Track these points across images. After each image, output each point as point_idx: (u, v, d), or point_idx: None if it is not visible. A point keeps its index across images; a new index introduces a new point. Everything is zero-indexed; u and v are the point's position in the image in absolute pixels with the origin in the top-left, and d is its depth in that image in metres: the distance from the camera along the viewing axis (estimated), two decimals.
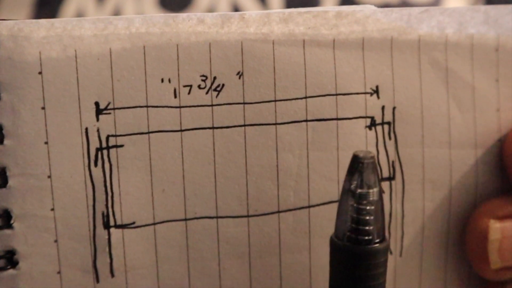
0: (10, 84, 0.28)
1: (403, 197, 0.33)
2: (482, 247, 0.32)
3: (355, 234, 0.27)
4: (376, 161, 0.28)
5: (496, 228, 0.32)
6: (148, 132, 0.30)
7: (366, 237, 0.27)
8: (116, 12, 0.50)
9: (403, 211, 0.33)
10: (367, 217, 0.27)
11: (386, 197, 0.32)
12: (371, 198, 0.27)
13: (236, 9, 0.51)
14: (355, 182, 0.27)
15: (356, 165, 0.27)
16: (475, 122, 0.33)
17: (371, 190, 0.27)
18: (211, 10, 0.51)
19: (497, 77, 0.32)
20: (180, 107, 0.30)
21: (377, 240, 0.27)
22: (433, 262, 0.34)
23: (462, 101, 0.32)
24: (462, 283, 0.34)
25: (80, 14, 0.50)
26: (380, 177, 0.32)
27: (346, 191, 0.28)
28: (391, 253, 0.33)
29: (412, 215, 0.33)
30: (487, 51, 0.32)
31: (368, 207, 0.27)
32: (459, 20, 0.32)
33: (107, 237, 0.30)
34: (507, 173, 0.33)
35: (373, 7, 0.32)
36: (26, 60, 0.28)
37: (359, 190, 0.27)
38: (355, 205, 0.27)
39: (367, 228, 0.27)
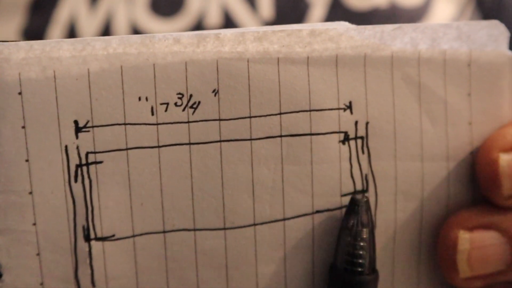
0: None
1: (375, 208, 0.33)
2: (452, 257, 0.33)
3: (350, 265, 0.32)
4: (369, 203, 0.32)
5: (466, 239, 0.32)
6: (127, 149, 0.31)
7: (360, 269, 0.32)
8: (109, 16, 0.51)
9: (375, 221, 0.34)
10: (361, 252, 0.32)
11: None
12: (364, 236, 0.32)
13: (226, 12, 0.51)
14: (352, 221, 0.32)
15: (353, 206, 0.32)
16: (447, 136, 0.33)
17: (364, 229, 0.32)
18: (202, 14, 0.51)
19: (469, 91, 0.33)
20: (157, 124, 0.31)
21: (368, 272, 0.32)
22: (405, 271, 0.34)
23: (434, 115, 0.33)
24: None
25: (73, 18, 0.51)
26: (354, 189, 0.33)
27: (344, 229, 0.32)
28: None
29: (384, 225, 0.34)
30: (460, 66, 0.33)
31: (362, 243, 0.32)
32: (432, 36, 0.32)
33: (87, 249, 0.31)
34: (479, 185, 0.33)
35: (346, 24, 0.32)
36: (6, 81, 0.29)
37: (355, 228, 0.32)
38: (351, 241, 0.32)
39: (360, 261, 0.32)
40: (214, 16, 0.51)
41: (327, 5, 0.52)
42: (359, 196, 0.32)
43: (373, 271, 0.32)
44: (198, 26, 0.52)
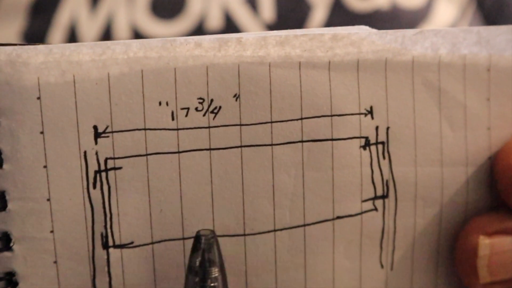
0: (8, 110, 0.29)
1: (395, 214, 0.33)
2: (471, 262, 0.33)
3: None
4: (217, 240, 0.30)
5: (486, 244, 0.32)
6: (146, 154, 0.30)
7: None
8: (109, 19, 0.50)
9: (395, 226, 0.33)
10: None
11: (379, 214, 0.33)
12: (213, 275, 0.29)
13: (227, 14, 0.51)
14: (198, 260, 0.29)
15: (199, 244, 0.29)
16: (466, 141, 0.33)
17: (213, 268, 0.29)
18: (203, 16, 0.51)
19: (488, 96, 0.33)
20: (177, 129, 0.30)
21: None
22: (423, 276, 0.34)
23: (454, 120, 0.33)
24: None
25: (73, 21, 0.50)
26: (375, 195, 0.33)
27: (190, 269, 0.29)
28: (382, 266, 0.34)
29: (404, 230, 0.33)
30: (479, 71, 0.33)
31: (212, 284, 0.29)
32: (452, 41, 0.32)
33: (106, 257, 0.31)
34: (497, 190, 0.33)
35: (367, 28, 0.32)
36: (25, 85, 0.29)
37: (202, 268, 0.29)
38: (199, 282, 0.29)
39: None
40: (215, 19, 0.51)
41: (329, 7, 0.52)
42: (204, 232, 0.29)
43: None
44: (199, 28, 0.51)
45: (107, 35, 0.50)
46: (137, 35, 0.51)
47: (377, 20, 0.51)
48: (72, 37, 0.50)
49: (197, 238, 0.29)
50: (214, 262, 0.29)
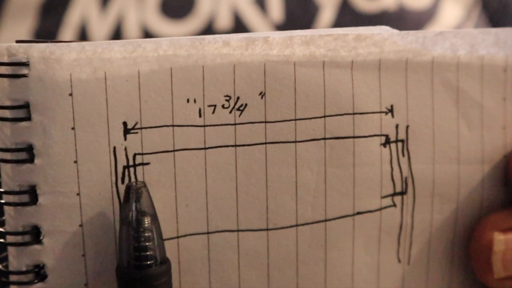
0: (41, 105, 0.29)
1: (413, 210, 0.34)
2: (486, 257, 0.33)
3: (139, 260, 0.30)
4: (147, 190, 0.30)
5: (500, 240, 0.33)
6: (174, 150, 0.31)
7: (149, 262, 0.30)
8: (119, 19, 0.51)
9: (412, 222, 0.34)
10: (147, 243, 0.30)
11: (397, 210, 0.34)
12: (146, 225, 0.30)
13: (236, 15, 0.52)
14: (130, 212, 0.30)
15: (128, 195, 0.30)
16: (482, 139, 0.34)
17: (146, 218, 0.30)
18: (212, 16, 0.52)
19: (505, 96, 0.34)
20: (204, 126, 0.31)
21: (159, 263, 0.30)
22: (439, 270, 0.35)
23: (471, 119, 0.34)
24: None
25: (84, 21, 0.50)
26: (394, 191, 0.34)
27: (123, 221, 0.30)
28: (399, 261, 0.35)
29: (421, 226, 0.34)
30: (496, 72, 0.34)
31: (146, 234, 0.30)
32: (471, 42, 0.33)
33: None
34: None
35: (389, 29, 0.33)
36: (57, 82, 0.29)
37: (134, 219, 0.29)
38: (133, 233, 0.30)
39: (148, 253, 0.30)
40: (224, 19, 0.52)
41: (337, 7, 0.52)
42: (133, 183, 0.30)
43: (164, 260, 0.30)
44: (208, 28, 0.52)
45: (117, 34, 0.51)
46: (147, 35, 0.51)
47: (384, 20, 0.52)
48: (83, 36, 0.50)
49: (127, 189, 0.30)
50: (145, 212, 0.30)
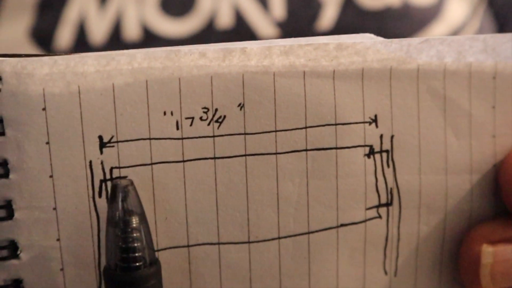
0: (14, 120, 0.29)
1: (399, 221, 0.33)
2: (474, 270, 0.33)
3: (127, 262, 0.28)
4: (135, 188, 0.29)
5: (489, 252, 0.32)
6: (151, 164, 0.31)
7: (137, 263, 0.29)
8: (118, 16, 0.50)
9: (398, 234, 0.33)
10: (135, 244, 0.28)
11: (383, 221, 0.33)
12: (134, 225, 0.28)
13: (238, 12, 0.51)
14: (116, 212, 0.28)
15: (115, 193, 0.28)
16: (471, 149, 0.33)
17: (133, 217, 0.28)
18: (213, 14, 0.51)
19: (494, 103, 0.33)
20: (182, 138, 0.31)
21: (148, 264, 0.29)
22: (427, 282, 0.34)
23: (459, 128, 0.33)
24: None
25: (82, 18, 0.50)
26: (379, 203, 0.33)
27: (109, 221, 0.29)
28: (386, 273, 0.34)
29: (407, 238, 0.34)
30: (485, 79, 0.33)
31: (134, 234, 0.28)
32: (458, 49, 0.32)
33: None
34: (502, 198, 0.33)
35: (372, 36, 0.32)
36: (30, 96, 0.29)
37: (121, 219, 0.28)
38: (120, 234, 0.28)
39: (136, 254, 0.28)
40: (225, 16, 0.51)
41: (340, 4, 0.51)
42: (119, 181, 0.29)
43: (154, 262, 0.29)
44: (210, 26, 0.51)
45: (116, 32, 0.50)
46: (147, 32, 0.51)
47: (388, 17, 0.51)
48: (81, 34, 0.50)
49: (113, 187, 0.29)
50: (133, 211, 0.29)
